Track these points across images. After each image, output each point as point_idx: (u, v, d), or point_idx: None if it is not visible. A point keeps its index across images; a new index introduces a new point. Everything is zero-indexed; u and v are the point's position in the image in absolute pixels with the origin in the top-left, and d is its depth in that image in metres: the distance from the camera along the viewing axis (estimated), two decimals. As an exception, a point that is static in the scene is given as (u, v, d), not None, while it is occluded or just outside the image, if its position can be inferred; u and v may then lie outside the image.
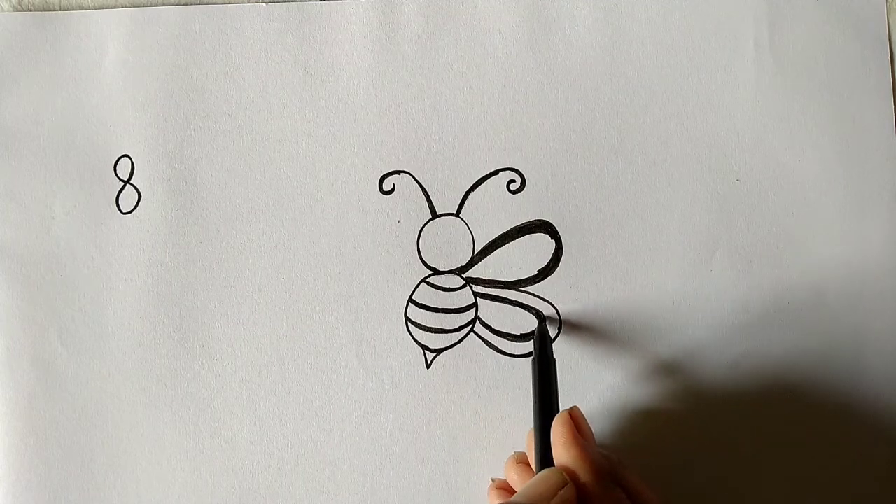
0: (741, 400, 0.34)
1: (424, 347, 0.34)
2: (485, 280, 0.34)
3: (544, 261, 0.34)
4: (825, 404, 0.34)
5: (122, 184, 0.35)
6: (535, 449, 0.29)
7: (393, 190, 0.35)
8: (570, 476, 0.27)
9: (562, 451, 0.28)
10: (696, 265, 0.34)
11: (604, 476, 0.27)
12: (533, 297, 0.34)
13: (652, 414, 0.34)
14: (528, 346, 0.34)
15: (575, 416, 0.29)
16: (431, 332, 0.34)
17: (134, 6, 0.36)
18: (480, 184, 0.35)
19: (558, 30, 0.35)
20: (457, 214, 0.35)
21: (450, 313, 0.34)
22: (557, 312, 0.34)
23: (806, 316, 0.34)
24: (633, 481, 0.29)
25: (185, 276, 0.35)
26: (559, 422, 0.29)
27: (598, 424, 0.34)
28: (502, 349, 0.34)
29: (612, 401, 0.34)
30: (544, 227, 0.34)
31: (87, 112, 0.36)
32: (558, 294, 0.34)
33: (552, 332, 0.34)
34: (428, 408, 0.34)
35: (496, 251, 0.34)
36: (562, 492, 0.27)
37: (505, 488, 0.32)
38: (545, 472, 0.28)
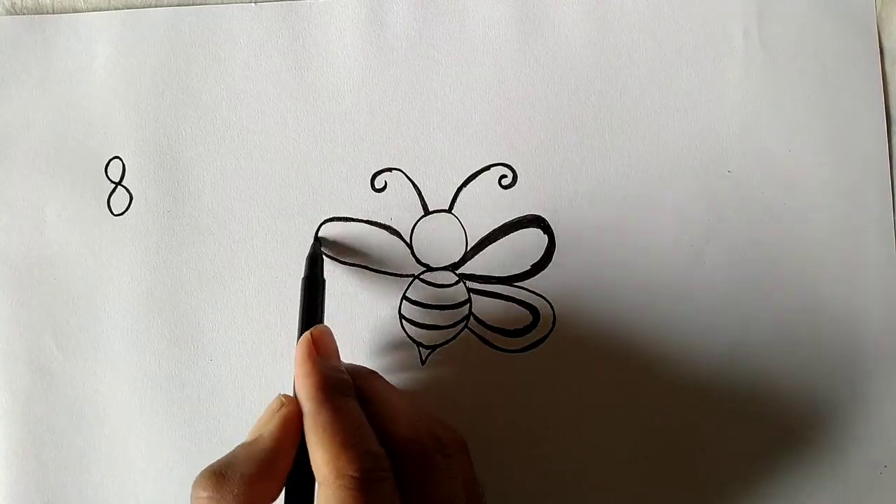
0: (735, 391, 0.34)
1: (419, 344, 0.34)
2: (478, 276, 0.34)
3: (537, 255, 0.34)
4: (818, 396, 0.34)
5: (114, 186, 0.35)
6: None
7: (385, 187, 0.35)
8: (294, 397, 0.27)
9: (295, 372, 0.28)
10: (689, 257, 0.34)
11: (326, 388, 0.27)
12: (527, 291, 0.34)
13: (646, 408, 0.34)
14: (524, 340, 0.34)
15: (316, 336, 0.28)
16: (425, 328, 0.34)
17: (127, 8, 0.36)
18: (472, 180, 0.35)
19: (547, 24, 0.35)
20: (449, 211, 0.35)
21: (444, 309, 0.34)
22: (551, 307, 0.34)
23: (799, 306, 0.34)
24: (379, 394, 0.29)
25: (178, 276, 0.35)
26: (299, 344, 0.28)
27: (590, 418, 0.34)
28: (497, 345, 0.34)
29: (606, 394, 0.34)
30: (537, 221, 0.34)
31: (77, 114, 0.36)
32: (552, 288, 0.34)
33: (547, 326, 0.34)
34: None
35: (489, 247, 0.34)
36: (279, 412, 0.27)
37: None
38: (271, 401, 0.28)
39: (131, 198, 0.35)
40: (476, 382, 0.34)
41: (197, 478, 0.26)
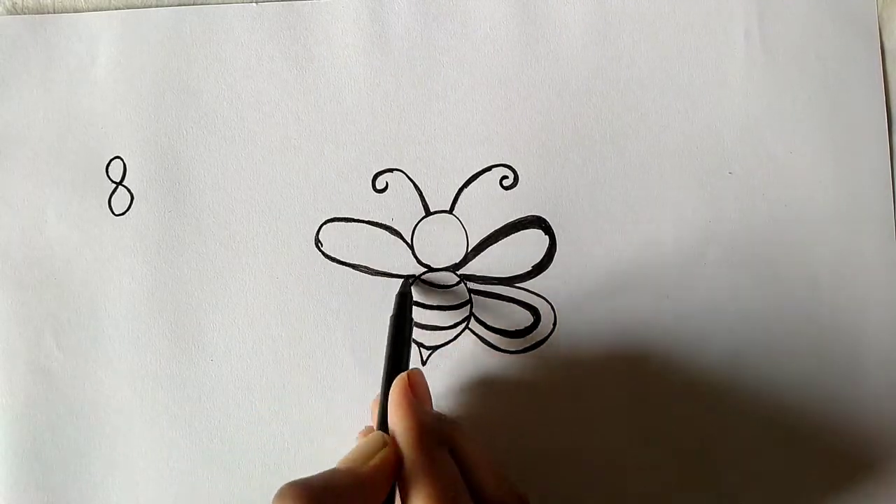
0: (735, 391, 0.34)
1: (420, 345, 0.34)
2: (479, 277, 0.34)
3: (538, 256, 0.34)
4: (820, 396, 0.34)
5: (115, 185, 0.35)
6: (378, 412, 0.29)
7: (386, 188, 0.35)
8: (394, 438, 0.27)
9: (391, 412, 0.28)
10: (690, 258, 0.34)
11: (427, 437, 0.27)
12: (527, 292, 0.34)
13: (646, 409, 0.34)
14: (524, 341, 0.34)
15: (413, 379, 0.29)
16: (426, 329, 0.34)
17: (128, 7, 0.36)
18: (473, 180, 0.35)
19: (549, 25, 0.35)
20: (450, 212, 0.35)
21: (444, 310, 0.34)
22: (552, 307, 0.34)
23: (799, 306, 0.34)
24: (467, 447, 0.29)
25: (179, 276, 0.35)
26: (395, 384, 0.28)
27: (592, 418, 0.34)
28: (497, 346, 0.34)
29: (606, 395, 0.34)
30: (538, 222, 0.34)
31: (78, 114, 0.36)
32: (553, 289, 0.34)
33: (548, 327, 0.34)
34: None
35: (490, 247, 0.34)
36: (380, 453, 0.26)
37: None
38: (371, 435, 0.27)
39: (132, 198, 0.35)
40: (477, 383, 0.34)
41: (287, 488, 0.24)
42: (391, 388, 0.28)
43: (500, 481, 0.29)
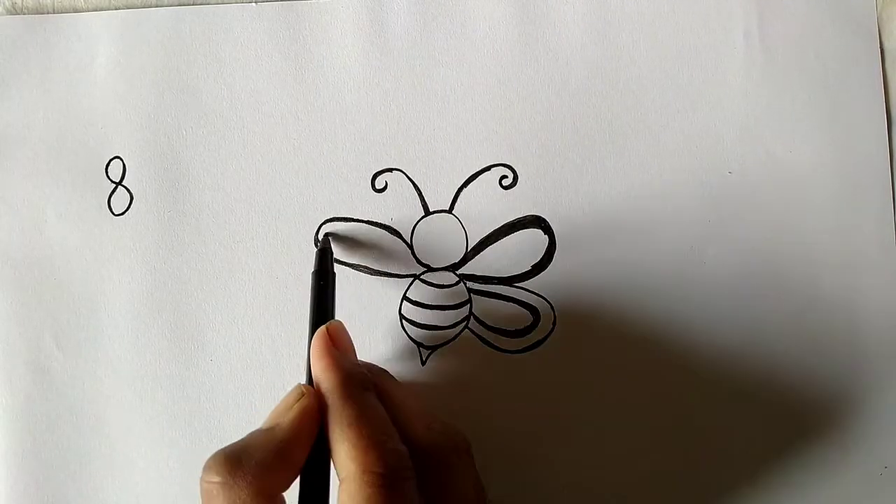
0: (735, 392, 0.34)
1: (419, 344, 0.34)
2: (478, 276, 0.34)
3: (538, 256, 0.34)
4: (818, 396, 0.34)
5: (114, 185, 0.35)
6: (306, 366, 0.29)
7: (385, 188, 0.35)
8: (318, 388, 0.27)
9: (314, 364, 0.28)
10: (690, 258, 0.34)
11: (348, 382, 0.27)
12: (527, 292, 0.34)
13: (647, 408, 0.34)
14: (524, 341, 0.34)
15: (332, 331, 0.29)
16: (426, 328, 0.34)
17: (127, 7, 0.36)
18: (472, 180, 0.35)
19: (548, 25, 0.35)
20: (449, 211, 0.35)
21: (444, 310, 0.34)
22: (552, 307, 0.34)
23: (799, 307, 0.34)
24: (394, 391, 0.29)
25: (178, 276, 0.35)
26: (315, 336, 0.28)
27: (590, 418, 0.34)
28: (497, 345, 0.34)
29: (606, 394, 0.34)
30: (537, 222, 0.34)
31: (78, 114, 0.36)
32: (552, 289, 0.34)
33: (547, 327, 0.34)
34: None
35: (489, 247, 0.34)
36: (298, 404, 0.26)
37: None
38: (290, 390, 0.28)
39: (132, 198, 0.35)
40: (476, 383, 0.34)
41: (209, 461, 0.25)
42: (312, 341, 0.28)
43: (431, 422, 0.28)
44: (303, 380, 0.29)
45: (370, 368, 0.30)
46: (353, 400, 0.26)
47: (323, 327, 0.29)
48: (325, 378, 0.27)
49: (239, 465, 0.25)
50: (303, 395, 0.27)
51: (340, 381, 0.27)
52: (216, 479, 0.25)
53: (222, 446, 0.26)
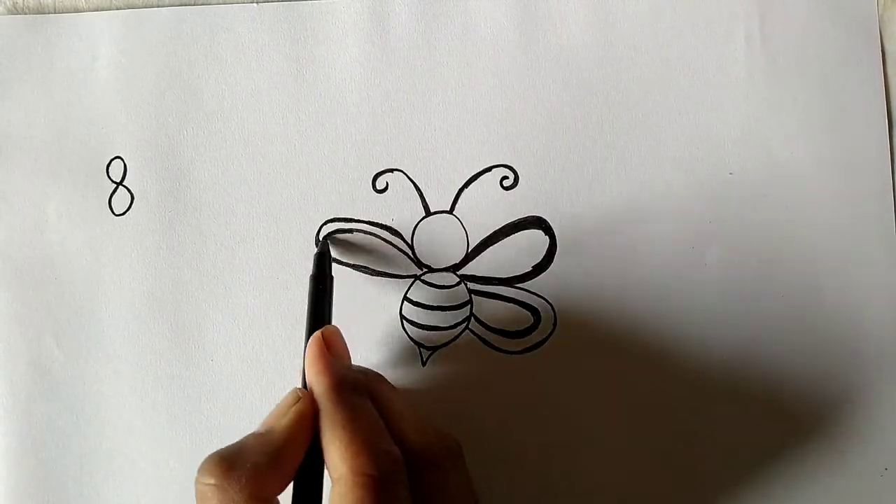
0: (736, 393, 0.34)
1: (420, 345, 0.34)
2: (479, 277, 0.34)
3: (538, 257, 0.34)
4: (819, 397, 0.34)
5: (115, 185, 0.35)
6: (301, 372, 0.29)
7: (386, 188, 0.35)
8: (312, 392, 0.27)
9: (308, 368, 0.28)
10: (691, 259, 0.34)
11: (342, 386, 0.27)
12: (528, 293, 0.34)
13: (647, 408, 0.34)
14: (525, 342, 0.34)
15: (327, 336, 0.29)
16: (426, 329, 0.34)
17: (129, 7, 0.36)
18: (473, 181, 0.35)
19: (550, 26, 0.35)
20: (450, 212, 0.35)
21: (445, 311, 0.34)
22: (552, 308, 0.34)
23: (800, 308, 0.34)
24: (387, 395, 0.29)
25: (179, 276, 0.35)
26: (310, 342, 0.29)
27: (591, 419, 0.34)
28: (498, 346, 0.34)
29: (607, 395, 0.34)
30: (538, 223, 0.34)
31: (79, 114, 0.36)
32: (553, 290, 0.34)
33: (548, 328, 0.34)
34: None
35: (490, 248, 0.34)
36: (293, 408, 0.27)
37: None
38: (288, 393, 0.28)
39: (132, 198, 0.35)
40: (477, 384, 0.34)
41: (204, 463, 0.25)
42: (307, 346, 0.28)
43: (424, 427, 0.29)
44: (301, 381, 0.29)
45: (365, 373, 0.30)
46: (345, 403, 0.27)
47: (318, 332, 0.29)
48: (317, 382, 0.27)
49: (233, 468, 0.25)
50: (299, 400, 0.27)
51: (333, 385, 0.27)
52: (210, 480, 0.25)
53: (222, 446, 0.26)
